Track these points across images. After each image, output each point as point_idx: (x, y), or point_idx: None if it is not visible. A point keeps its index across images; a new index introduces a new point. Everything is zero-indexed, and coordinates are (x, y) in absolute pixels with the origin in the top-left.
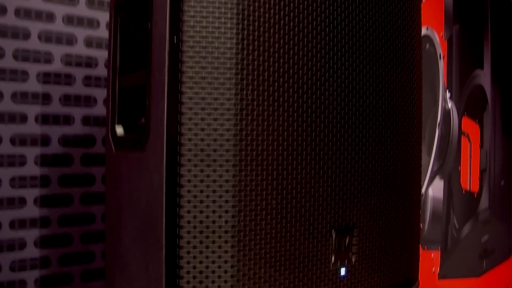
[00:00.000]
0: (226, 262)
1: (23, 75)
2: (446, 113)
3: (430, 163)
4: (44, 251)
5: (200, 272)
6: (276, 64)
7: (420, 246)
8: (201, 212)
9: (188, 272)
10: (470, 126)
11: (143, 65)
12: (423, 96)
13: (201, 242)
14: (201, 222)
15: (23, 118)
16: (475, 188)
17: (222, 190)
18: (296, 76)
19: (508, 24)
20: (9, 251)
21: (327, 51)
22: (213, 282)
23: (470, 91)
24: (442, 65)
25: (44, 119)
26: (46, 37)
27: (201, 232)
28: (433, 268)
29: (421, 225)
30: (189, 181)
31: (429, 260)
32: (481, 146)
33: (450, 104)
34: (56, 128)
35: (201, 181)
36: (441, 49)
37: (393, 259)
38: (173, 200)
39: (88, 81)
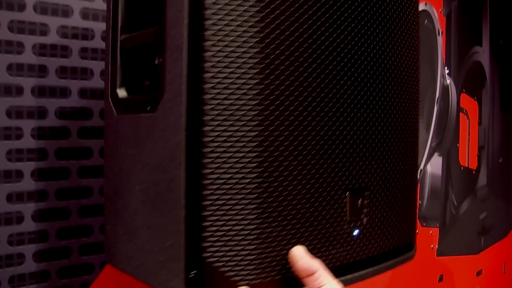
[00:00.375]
0: (249, 223)
1: (18, 47)
2: (445, 90)
3: (428, 140)
4: (42, 225)
5: (224, 234)
6: (297, 26)
7: (418, 222)
8: (224, 172)
9: (211, 234)
10: (469, 103)
11: (152, 23)
12: (422, 72)
13: (224, 204)
14: (224, 182)
15: (19, 91)
16: (473, 165)
17: (245, 150)
18: (315, 42)
19: (507, 1)
20: (6, 224)
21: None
22: (236, 243)
23: (468, 67)
24: (440, 41)
25: (40, 91)
26: (41, 8)
27: (224, 193)
28: (432, 245)
29: (420, 201)
30: (212, 140)
31: (428, 237)
32: (480, 123)
33: (448, 81)
34: (52, 100)
35: (225, 140)
36: (439, 25)
37: (399, 222)
38: (195, 160)
39: (84, 53)
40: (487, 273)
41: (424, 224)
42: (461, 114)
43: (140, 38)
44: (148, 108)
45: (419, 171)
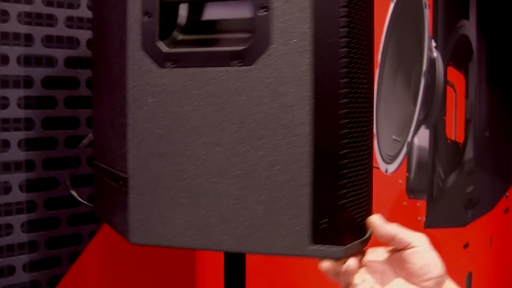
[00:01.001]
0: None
1: (3, 15)
2: (432, 62)
3: (415, 112)
4: (30, 195)
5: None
6: None
7: (406, 194)
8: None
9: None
10: (456, 76)
11: None
12: (409, 45)
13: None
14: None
15: (5, 60)
16: (460, 138)
17: None
18: None
19: None
20: None
21: None
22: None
23: (455, 41)
24: (427, 14)
25: (26, 60)
26: None
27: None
28: (419, 217)
29: (407, 174)
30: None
31: (415, 209)
32: (466, 97)
33: (435, 54)
34: (39, 69)
35: None
36: None
37: None
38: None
39: (70, 22)
40: (473, 246)
41: (412, 197)
42: (448, 87)
43: None
44: (238, 62)
45: (406, 144)
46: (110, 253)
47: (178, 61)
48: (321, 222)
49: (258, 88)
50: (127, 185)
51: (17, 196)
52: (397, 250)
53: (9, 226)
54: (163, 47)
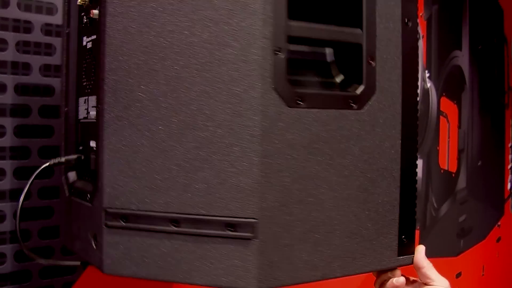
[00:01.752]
0: None
1: None
2: (425, 93)
3: None
4: (24, 224)
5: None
6: None
7: None
8: None
9: None
10: (449, 106)
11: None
12: None
13: None
14: None
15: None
16: (453, 168)
17: None
18: None
19: (486, 5)
20: None
21: None
22: None
23: (448, 71)
24: (421, 45)
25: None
26: None
27: None
28: None
29: None
30: None
31: None
32: (459, 126)
33: (429, 84)
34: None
35: None
36: (420, 29)
37: None
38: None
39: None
40: (466, 275)
41: None
42: (441, 117)
43: (331, 33)
44: (353, 106)
45: None
46: (104, 283)
47: (305, 101)
48: (403, 238)
49: (366, 129)
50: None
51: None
52: (421, 282)
53: (2, 255)
54: (292, 86)
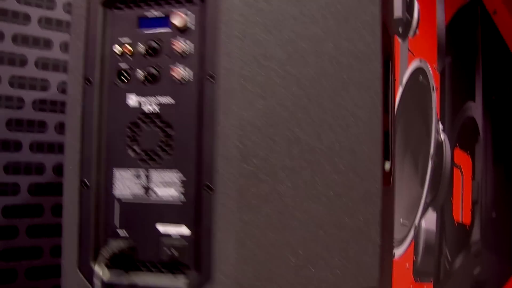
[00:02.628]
0: None
1: None
2: (439, 145)
3: (423, 195)
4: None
5: None
6: None
7: (413, 278)
8: None
9: None
10: (462, 157)
11: None
12: (416, 128)
13: None
14: None
15: None
16: (467, 220)
17: None
18: None
19: (499, 56)
20: None
21: None
22: None
23: (462, 123)
24: (435, 97)
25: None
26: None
27: None
28: None
29: (414, 257)
30: None
31: None
32: (473, 178)
33: (442, 136)
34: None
35: None
36: (434, 81)
37: None
38: None
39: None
40: None
41: (419, 280)
42: (455, 169)
43: None
44: None
45: (413, 227)
46: None
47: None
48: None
49: None
50: None
51: None
52: None
53: None
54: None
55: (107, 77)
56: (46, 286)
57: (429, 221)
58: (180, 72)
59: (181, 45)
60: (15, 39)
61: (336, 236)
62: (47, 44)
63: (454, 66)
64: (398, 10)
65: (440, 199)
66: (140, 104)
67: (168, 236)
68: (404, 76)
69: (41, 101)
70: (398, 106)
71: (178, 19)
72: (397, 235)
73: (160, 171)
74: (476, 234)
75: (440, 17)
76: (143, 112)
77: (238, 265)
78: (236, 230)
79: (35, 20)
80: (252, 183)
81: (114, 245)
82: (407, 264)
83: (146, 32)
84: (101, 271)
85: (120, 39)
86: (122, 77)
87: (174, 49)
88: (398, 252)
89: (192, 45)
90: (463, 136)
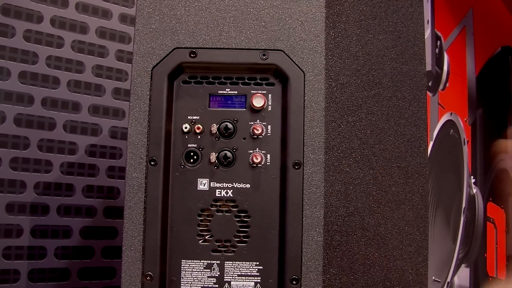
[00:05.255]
0: None
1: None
2: (471, 199)
3: (455, 251)
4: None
5: None
6: None
7: None
8: None
9: None
10: (496, 211)
11: None
12: (448, 182)
13: None
14: None
15: None
16: (502, 275)
17: None
18: None
19: None
20: None
21: None
22: None
23: (495, 175)
24: (466, 150)
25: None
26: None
27: None
28: None
29: None
30: None
31: None
32: (507, 232)
33: (475, 190)
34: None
35: None
36: (465, 134)
37: None
38: None
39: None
40: None
41: None
42: (488, 223)
43: None
44: None
45: (446, 284)
46: None
47: None
48: None
49: None
50: None
51: None
52: None
53: None
54: None
55: (174, 158)
56: None
57: (462, 277)
58: (260, 156)
59: (261, 128)
60: (44, 103)
61: None
62: (76, 107)
63: (486, 118)
64: (428, 64)
65: (473, 254)
66: (212, 188)
67: None
68: (435, 130)
69: (69, 164)
70: (429, 159)
71: (258, 100)
72: None
73: (236, 262)
74: None
75: (471, 69)
76: (215, 198)
77: None
78: None
79: (64, 84)
80: (337, 273)
81: None
82: None
83: (218, 110)
84: None
85: (188, 116)
86: (191, 158)
87: (252, 131)
88: None
89: (269, 128)
90: (496, 189)
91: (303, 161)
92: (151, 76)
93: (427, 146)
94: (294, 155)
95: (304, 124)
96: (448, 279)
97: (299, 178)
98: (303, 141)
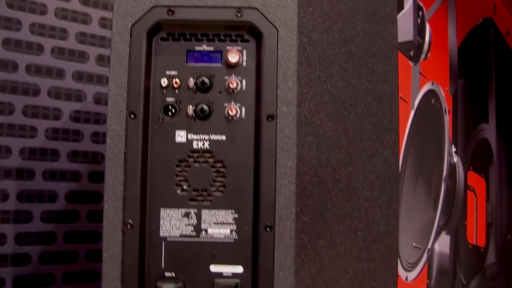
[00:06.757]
0: None
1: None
2: (452, 168)
3: (436, 218)
4: None
5: None
6: None
7: None
8: None
9: None
10: (476, 180)
11: None
12: (429, 151)
13: None
14: None
15: None
16: (481, 243)
17: None
18: None
19: None
20: None
21: None
22: None
23: (475, 145)
24: (447, 119)
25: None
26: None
27: None
28: None
29: (428, 281)
30: None
31: None
32: (487, 200)
33: (455, 159)
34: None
35: None
36: (446, 104)
37: None
38: None
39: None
40: None
41: None
42: (468, 191)
43: None
44: None
45: (426, 250)
46: None
47: None
48: None
49: None
50: None
51: None
52: None
53: None
54: None
55: (153, 111)
56: None
57: (442, 244)
58: (235, 109)
59: (236, 82)
60: (28, 69)
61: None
62: (60, 74)
63: (467, 88)
64: (409, 33)
65: (454, 222)
66: (189, 140)
67: (220, 275)
68: (416, 99)
69: (54, 130)
70: (410, 129)
71: (233, 56)
72: (410, 258)
73: (212, 210)
74: (491, 257)
75: (452, 40)
76: (193, 149)
77: None
78: (295, 268)
79: (48, 51)
80: (309, 221)
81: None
82: None
83: (195, 66)
84: None
85: (166, 71)
86: (169, 112)
87: (227, 85)
88: (411, 275)
89: (244, 82)
90: (476, 158)
91: (276, 114)
92: (131, 33)
93: (398, 103)
94: (267, 108)
95: (277, 79)
96: (429, 246)
97: (272, 130)
98: (276, 95)
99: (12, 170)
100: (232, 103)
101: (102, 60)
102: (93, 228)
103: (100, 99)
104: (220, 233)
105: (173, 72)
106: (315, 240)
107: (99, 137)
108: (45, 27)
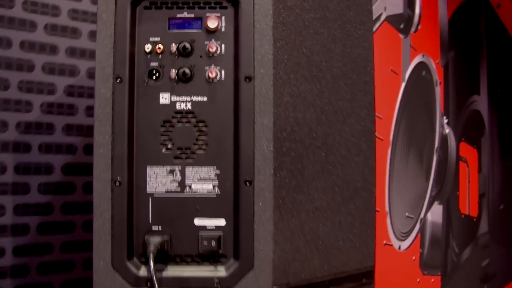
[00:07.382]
0: None
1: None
2: (444, 139)
3: (428, 188)
4: None
5: None
6: None
7: (420, 270)
8: None
9: None
10: (468, 151)
11: None
12: (420, 122)
13: None
14: None
15: None
16: (474, 213)
17: None
18: None
19: (504, 49)
20: None
21: None
22: None
23: (467, 116)
24: (439, 91)
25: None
26: None
27: None
28: None
29: (421, 250)
30: None
31: (429, 285)
32: (480, 171)
33: (447, 130)
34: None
35: None
36: (437, 76)
37: None
38: None
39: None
40: None
41: (426, 272)
42: (460, 162)
43: None
44: None
45: (419, 220)
46: None
47: None
48: None
49: None
50: None
51: None
52: None
53: None
54: None
55: (138, 75)
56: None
57: (435, 214)
58: (215, 72)
59: (216, 46)
60: (22, 46)
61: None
62: (53, 49)
63: (458, 60)
64: (399, 6)
65: (446, 192)
66: (172, 102)
67: (204, 228)
68: (406, 71)
69: (48, 104)
70: (401, 101)
71: (213, 22)
72: (402, 228)
73: (195, 167)
74: (483, 226)
75: (443, 12)
76: (176, 110)
77: (277, 253)
78: (275, 220)
79: (41, 27)
80: (286, 176)
81: (156, 240)
82: (413, 257)
83: (177, 32)
84: (152, 265)
85: (150, 38)
86: (153, 75)
87: (207, 50)
88: (404, 245)
89: (223, 46)
90: (468, 129)
91: (254, 75)
92: (116, 3)
93: (373, 66)
94: (245, 70)
95: (254, 42)
96: (421, 216)
97: (250, 90)
98: (254, 58)
99: (9, 143)
100: (212, 66)
101: (94, 36)
102: (89, 199)
103: (93, 74)
104: (203, 189)
105: (156, 39)
106: (293, 194)
107: (93, 111)
108: (37, 4)
